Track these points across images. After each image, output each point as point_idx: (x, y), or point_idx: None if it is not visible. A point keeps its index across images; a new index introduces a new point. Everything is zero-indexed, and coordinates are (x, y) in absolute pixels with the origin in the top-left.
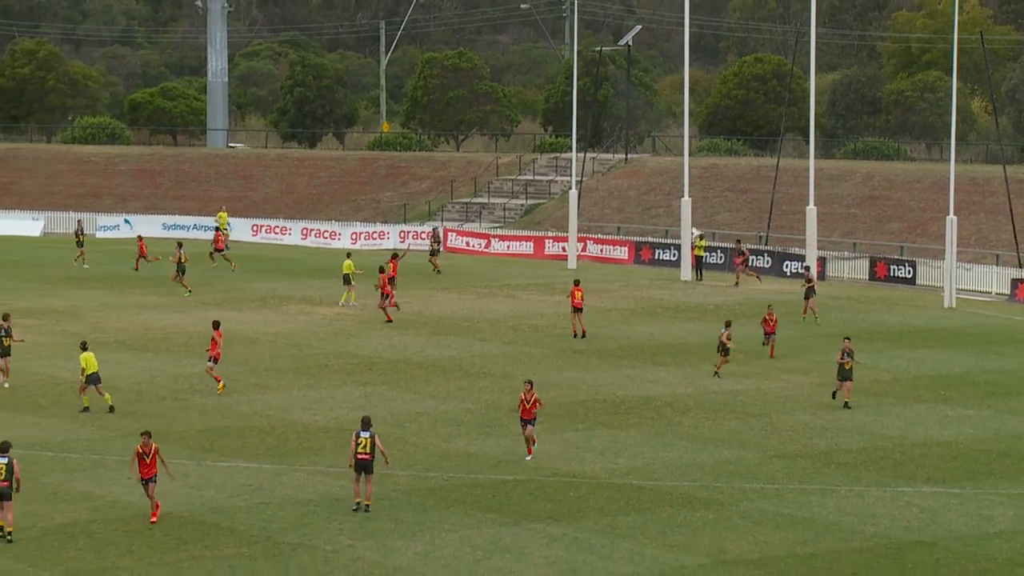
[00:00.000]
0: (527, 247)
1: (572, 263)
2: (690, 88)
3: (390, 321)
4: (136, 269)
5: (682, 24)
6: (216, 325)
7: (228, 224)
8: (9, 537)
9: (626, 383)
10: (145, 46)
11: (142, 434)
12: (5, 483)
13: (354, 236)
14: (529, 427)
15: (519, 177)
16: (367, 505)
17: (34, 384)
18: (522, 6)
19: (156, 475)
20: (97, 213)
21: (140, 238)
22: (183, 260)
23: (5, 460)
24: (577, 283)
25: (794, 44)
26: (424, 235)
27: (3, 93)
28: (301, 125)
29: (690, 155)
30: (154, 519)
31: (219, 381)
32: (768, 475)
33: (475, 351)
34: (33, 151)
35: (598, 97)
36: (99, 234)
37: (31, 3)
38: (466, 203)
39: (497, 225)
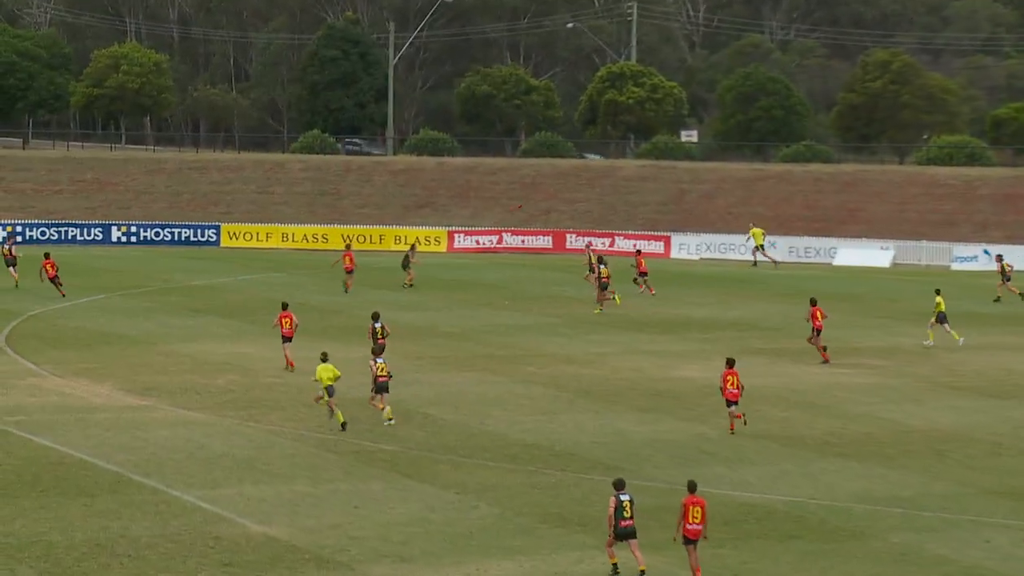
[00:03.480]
0: None
1: None
2: None
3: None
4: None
5: None
6: (730, 364)
7: (763, 242)
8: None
9: None
10: (1012, 55)
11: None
12: (630, 521)
13: None
14: None
15: None
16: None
17: (880, 431)
18: None
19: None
20: (953, 243)
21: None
22: (604, 276)
23: (627, 497)
24: None
25: None
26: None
27: (853, 109)
28: None
29: None
30: None
31: (738, 419)
32: None
33: None
34: (883, 173)
35: None
36: (953, 266)
37: (885, 11)
38: None
39: None
